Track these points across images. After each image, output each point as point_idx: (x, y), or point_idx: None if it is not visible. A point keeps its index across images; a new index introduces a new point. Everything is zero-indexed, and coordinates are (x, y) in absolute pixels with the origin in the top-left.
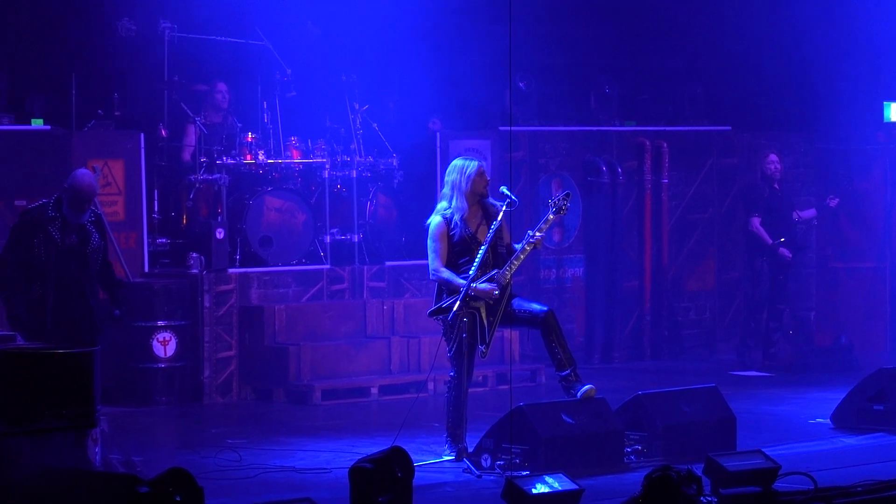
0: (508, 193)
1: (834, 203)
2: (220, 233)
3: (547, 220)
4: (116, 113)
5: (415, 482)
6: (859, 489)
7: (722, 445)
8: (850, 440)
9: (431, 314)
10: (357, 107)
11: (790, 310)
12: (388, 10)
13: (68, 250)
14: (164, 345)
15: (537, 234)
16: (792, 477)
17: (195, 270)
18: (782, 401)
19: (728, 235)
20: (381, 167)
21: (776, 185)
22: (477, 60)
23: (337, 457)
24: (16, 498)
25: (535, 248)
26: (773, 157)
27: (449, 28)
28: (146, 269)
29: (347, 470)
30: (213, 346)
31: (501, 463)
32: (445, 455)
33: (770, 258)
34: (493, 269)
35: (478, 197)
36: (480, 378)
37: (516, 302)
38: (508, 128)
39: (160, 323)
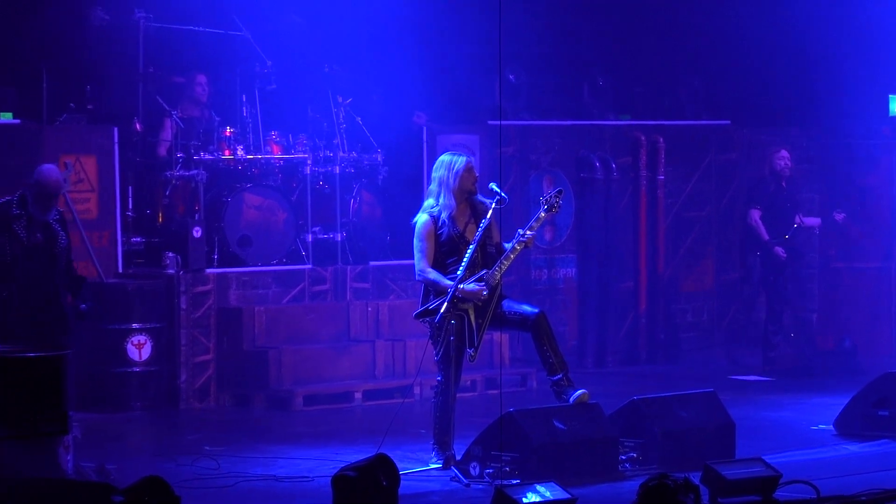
0: (498, 190)
1: (840, 217)
2: (197, 231)
3: (538, 218)
4: (89, 106)
5: (400, 491)
6: (863, 498)
7: (720, 453)
8: (853, 447)
9: (418, 316)
10: (340, 100)
11: (791, 311)
12: None
13: (34, 249)
14: (139, 348)
15: (528, 232)
16: (793, 486)
17: (171, 271)
18: (783, 406)
19: (726, 234)
20: (366, 163)
21: (784, 183)
22: (465, 51)
23: (319, 465)
24: None
25: (525, 247)
26: (784, 153)
27: (436, 17)
28: (120, 270)
29: (330, 478)
30: (190, 349)
31: (491, 471)
32: (432, 463)
33: (763, 255)
34: (482, 270)
35: (466, 194)
36: (469, 383)
37: (506, 303)
38: (498, 122)
39: (135, 325)
